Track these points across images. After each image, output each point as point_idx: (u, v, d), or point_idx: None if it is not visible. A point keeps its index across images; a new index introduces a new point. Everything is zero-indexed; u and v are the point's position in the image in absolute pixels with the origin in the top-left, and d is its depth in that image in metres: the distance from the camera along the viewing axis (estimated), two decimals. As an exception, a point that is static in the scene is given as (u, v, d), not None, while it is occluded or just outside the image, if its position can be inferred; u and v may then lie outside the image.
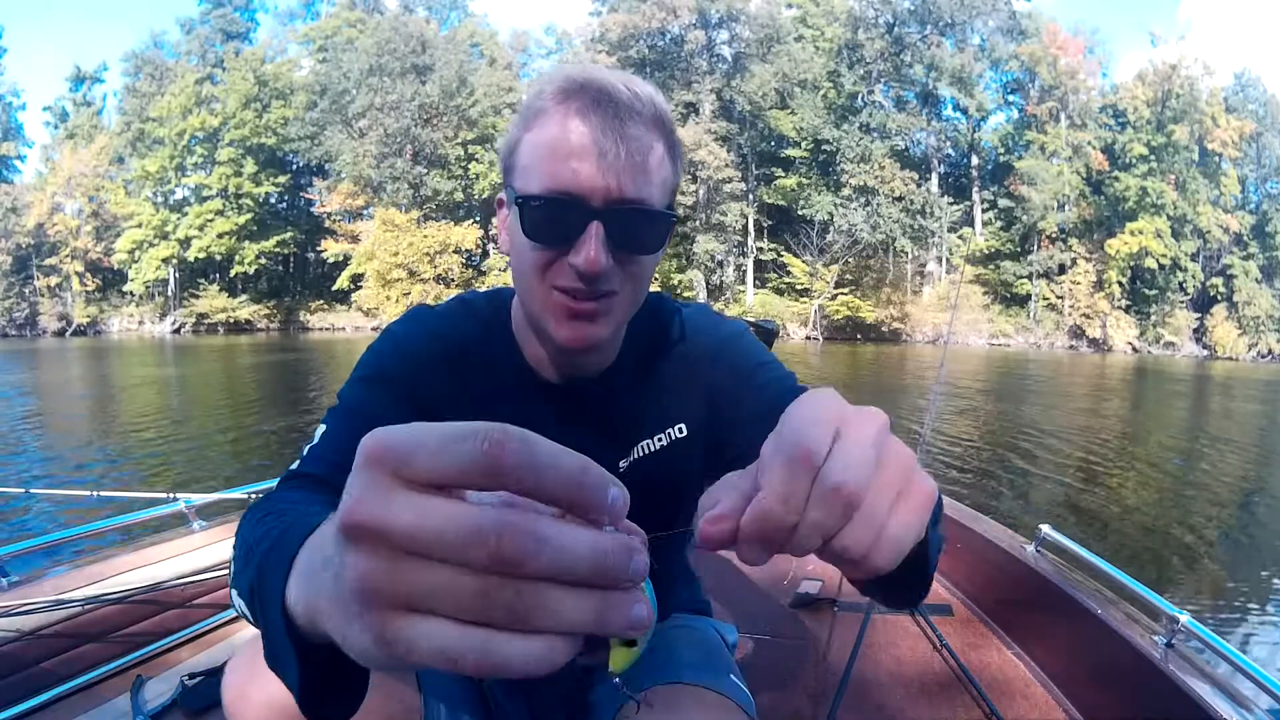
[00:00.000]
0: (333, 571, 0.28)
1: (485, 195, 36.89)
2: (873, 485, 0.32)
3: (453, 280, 34.78)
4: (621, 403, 0.83)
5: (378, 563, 0.25)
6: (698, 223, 34.73)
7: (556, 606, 0.26)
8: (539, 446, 0.26)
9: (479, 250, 37.16)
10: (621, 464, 0.83)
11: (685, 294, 32.64)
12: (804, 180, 37.24)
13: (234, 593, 0.51)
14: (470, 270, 36.41)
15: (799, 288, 36.65)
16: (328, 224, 38.39)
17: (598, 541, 0.26)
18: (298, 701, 0.40)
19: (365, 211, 37.88)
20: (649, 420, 0.84)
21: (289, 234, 39.06)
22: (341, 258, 36.93)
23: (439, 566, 0.25)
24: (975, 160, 40.03)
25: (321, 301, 39.37)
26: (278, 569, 0.37)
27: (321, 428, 0.73)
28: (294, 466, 0.70)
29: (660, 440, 0.84)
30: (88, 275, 38.13)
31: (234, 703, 0.64)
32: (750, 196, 37.83)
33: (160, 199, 38.41)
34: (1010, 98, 40.30)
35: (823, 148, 36.73)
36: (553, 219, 0.66)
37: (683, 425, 0.84)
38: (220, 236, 36.83)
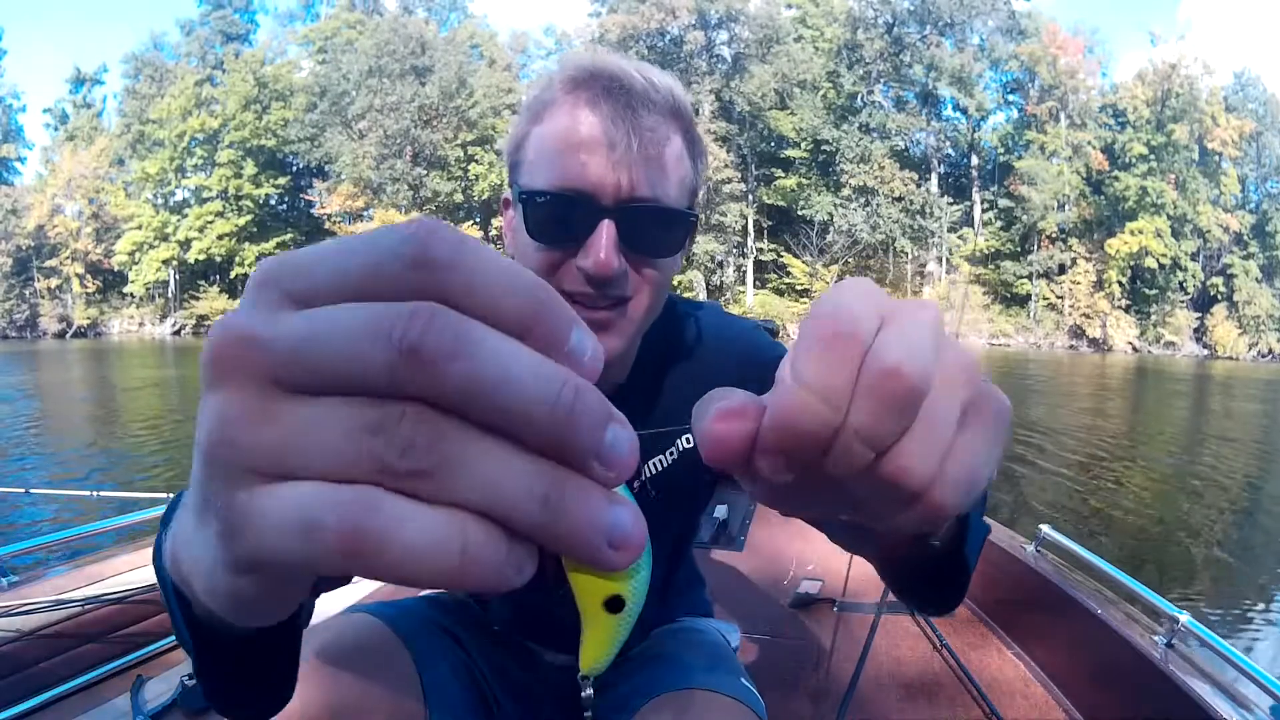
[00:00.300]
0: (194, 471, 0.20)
1: (485, 196, 36.93)
2: (936, 382, 0.23)
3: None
4: (635, 422, 0.77)
5: (242, 400, 0.18)
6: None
7: (481, 460, 0.18)
8: (478, 244, 0.19)
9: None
10: (634, 485, 0.78)
11: (685, 294, 32.47)
12: (804, 180, 37.24)
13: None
14: (470, 271, 36.36)
15: (799, 288, 36.65)
16: (328, 225, 38.40)
17: (555, 372, 0.18)
18: (203, 692, 0.36)
19: (365, 213, 37.90)
20: (660, 435, 0.79)
21: (289, 235, 39.07)
22: (342, 259, 36.89)
23: (323, 400, 0.18)
24: (975, 160, 40.04)
25: (322, 302, 39.33)
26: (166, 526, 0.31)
27: None
28: None
29: (671, 454, 0.79)
30: (88, 277, 38.18)
31: None
32: (750, 197, 37.84)
33: (160, 201, 38.45)
34: (1010, 98, 40.34)
35: (822, 148, 36.73)
36: (559, 217, 0.62)
37: (690, 435, 0.76)
38: (220, 238, 36.85)
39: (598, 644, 0.22)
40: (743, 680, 0.83)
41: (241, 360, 0.18)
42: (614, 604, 0.21)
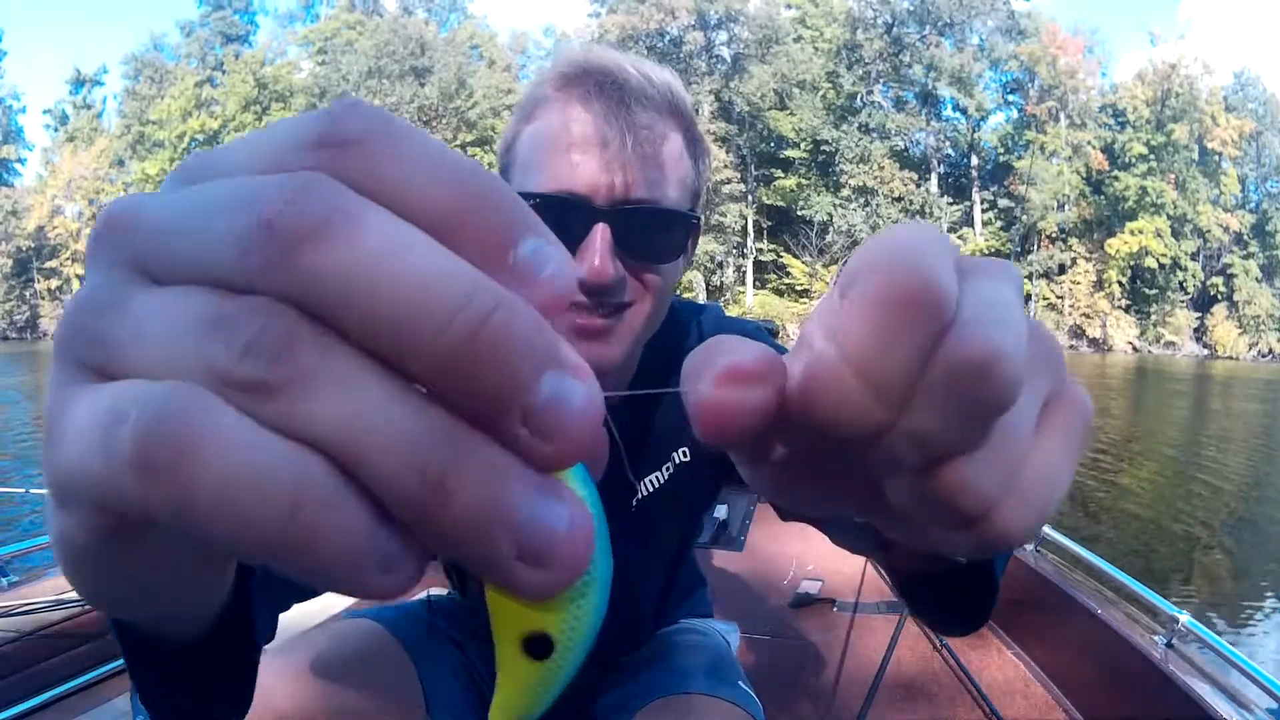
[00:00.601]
0: None
1: (484, 197, 36.88)
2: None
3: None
4: (634, 435, 0.74)
5: (102, 286, 0.14)
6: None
7: (343, 386, 0.12)
8: (409, 125, 0.14)
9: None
10: (633, 502, 0.75)
11: (684, 295, 32.48)
12: (803, 181, 37.24)
13: None
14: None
15: (799, 288, 36.66)
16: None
17: (465, 276, 0.13)
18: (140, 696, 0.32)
19: (365, 213, 37.94)
20: (656, 449, 0.75)
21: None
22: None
23: (175, 289, 0.14)
24: (975, 160, 40.05)
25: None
26: None
27: None
28: None
29: (668, 469, 0.75)
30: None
31: None
32: (749, 197, 37.87)
33: (160, 201, 38.48)
34: (1010, 97, 40.35)
35: (822, 148, 36.74)
36: (550, 222, 0.56)
37: (685, 449, 0.75)
38: (220, 239, 36.86)
39: (509, 698, 0.15)
40: (741, 684, 0.83)
41: (108, 242, 0.15)
42: (536, 645, 0.14)
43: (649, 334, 0.64)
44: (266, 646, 0.48)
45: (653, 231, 0.60)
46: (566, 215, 0.57)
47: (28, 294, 37.70)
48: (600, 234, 0.57)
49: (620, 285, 0.59)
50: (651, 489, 0.75)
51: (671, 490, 0.76)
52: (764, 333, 0.85)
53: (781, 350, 0.77)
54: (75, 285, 37.54)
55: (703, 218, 0.67)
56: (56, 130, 42.15)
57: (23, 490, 2.71)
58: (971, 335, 0.15)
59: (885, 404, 0.15)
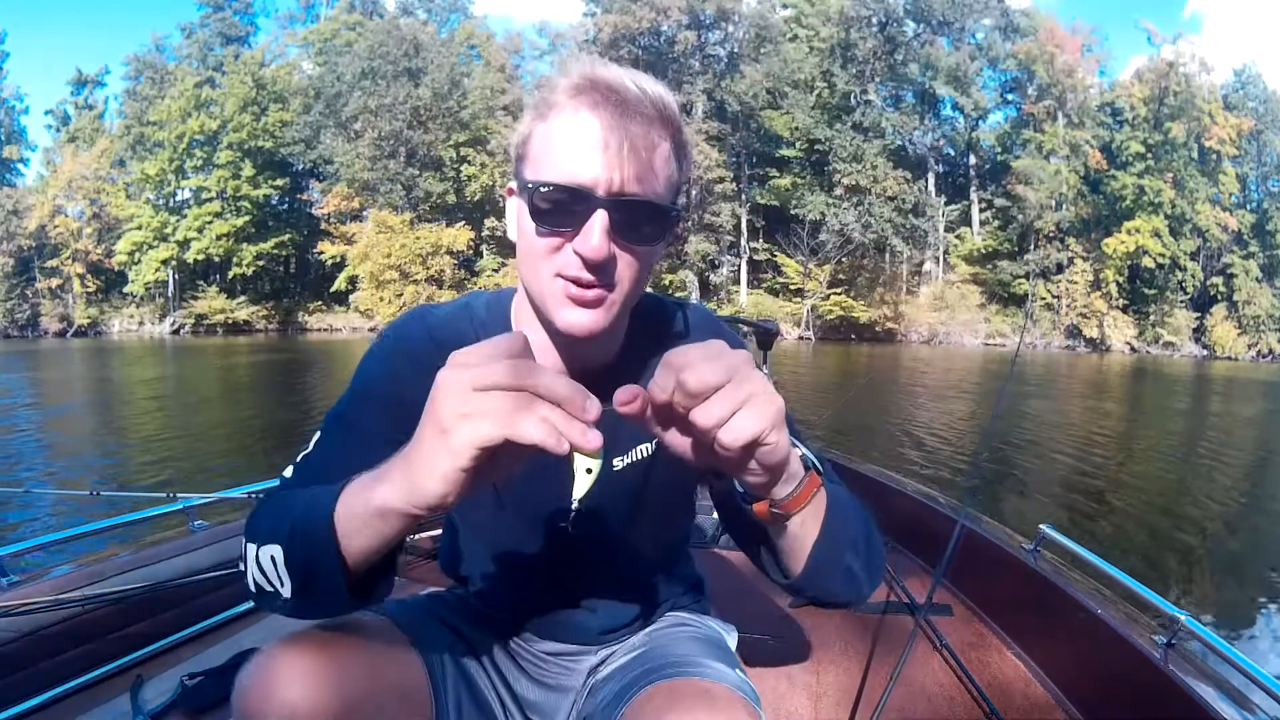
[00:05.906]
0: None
1: (477, 198, 36.94)
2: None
3: (444, 281, 34.85)
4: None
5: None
6: (690, 223, 34.56)
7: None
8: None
9: (471, 251, 37.17)
10: (616, 463, 0.85)
11: (678, 294, 32.50)
12: (798, 180, 37.07)
13: (254, 560, 0.64)
14: (462, 271, 36.42)
15: (793, 288, 36.63)
16: (324, 226, 38.44)
17: None
18: (348, 592, 0.62)
19: (362, 214, 37.93)
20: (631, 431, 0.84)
21: (287, 236, 39.07)
22: (339, 259, 36.99)
23: None
24: (973, 159, 39.99)
25: (320, 303, 39.36)
26: (321, 507, 0.59)
27: (317, 434, 0.79)
28: (287, 474, 0.77)
29: (648, 447, 0.86)
30: (89, 277, 38.14)
31: (254, 707, 0.67)
32: (743, 197, 37.79)
33: (161, 201, 38.41)
34: (1008, 96, 40.29)
35: (816, 148, 36.53)
36: (559, 207, 0.70)
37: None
38: (219, 238, 36.82)
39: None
40: (738, 671, 0.85)
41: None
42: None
43: (630, 304, 0.77)
44: (275, 640, 0.70)
45: (641, 220, 0.72)
46: (572, 202, 0.70)
47: (29, 292, 37.64)
48: (599, 219, 0.69)
49: (611, 263, 0.72)
50: (642, 456, 0.87)
51: (657, 459, 0.87)
52: (732, 329, 0.94)
53: (742, 344, 0.85)
54: (76, 284, 37.47)
55: (693, 217, 0.75)
56: (58, 131, 42.08)
57: (22, 489, 2.71)
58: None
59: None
